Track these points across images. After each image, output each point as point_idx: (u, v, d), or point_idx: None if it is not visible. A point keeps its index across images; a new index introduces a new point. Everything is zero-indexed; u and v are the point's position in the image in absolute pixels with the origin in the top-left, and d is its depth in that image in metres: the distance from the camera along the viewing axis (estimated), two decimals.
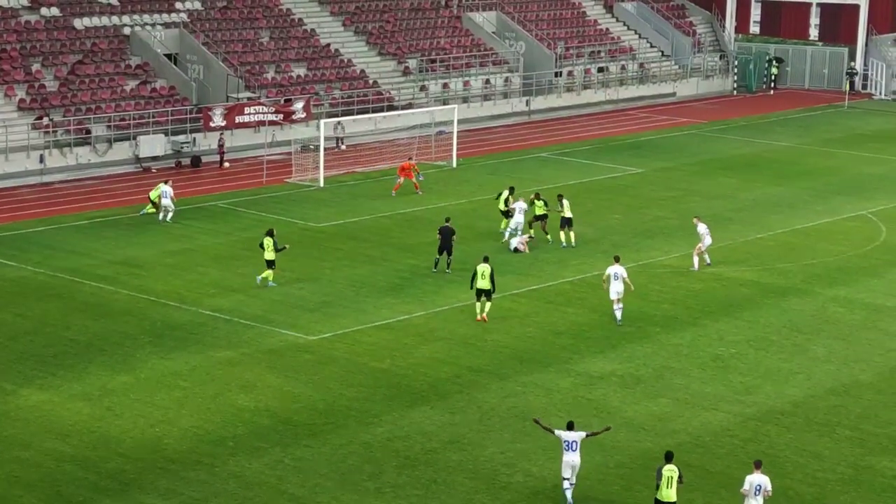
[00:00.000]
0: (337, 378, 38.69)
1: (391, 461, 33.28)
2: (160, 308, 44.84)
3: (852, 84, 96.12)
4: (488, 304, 44.02)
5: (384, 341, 41.95)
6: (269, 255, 47.23)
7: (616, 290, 43.87)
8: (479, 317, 43.89)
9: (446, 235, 49.47)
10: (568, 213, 53.23)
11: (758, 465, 30.03)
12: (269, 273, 47.37)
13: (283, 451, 33.66)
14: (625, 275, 44.05)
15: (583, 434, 31.30)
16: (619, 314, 43.95)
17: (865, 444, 34.95)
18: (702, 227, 50.43)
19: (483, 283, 43.66)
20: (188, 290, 46.83)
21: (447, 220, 50.44)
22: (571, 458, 31.04)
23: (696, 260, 50.48)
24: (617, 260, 45.11)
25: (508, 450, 34.04)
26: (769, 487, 29.65)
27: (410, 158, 64.26)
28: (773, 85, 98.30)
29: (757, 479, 29.68)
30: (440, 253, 49.59)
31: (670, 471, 29.72)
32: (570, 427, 31.50)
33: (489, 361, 40.33)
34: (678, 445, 33.98)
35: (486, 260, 44.39)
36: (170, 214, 56.50)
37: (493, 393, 37.79)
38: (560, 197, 53.82)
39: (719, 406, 37.19)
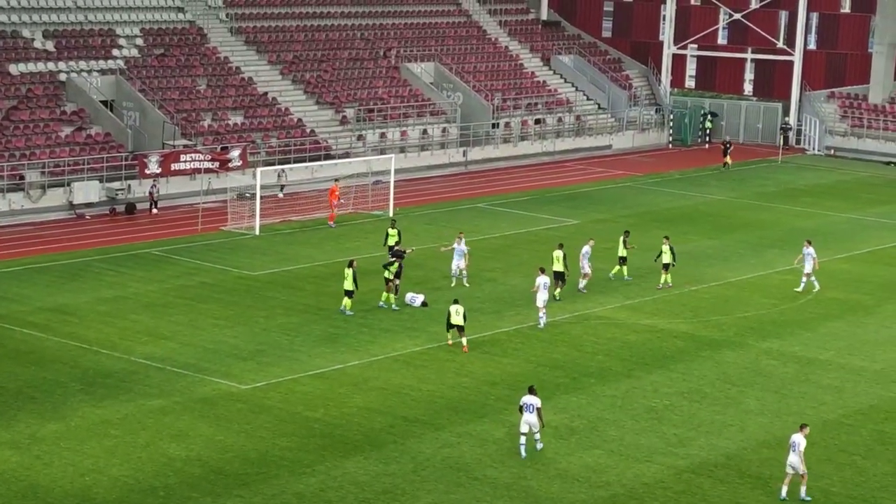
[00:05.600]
0: (270, 427, 38.41)
1: None
2: (92, 356, 44.41)
3: (786, 139, 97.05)
4: (464, 339, 46.10)
5: (318, 391, 41.72)
6: (348, 284, 49.77)
7: (543, 298, 49.08)
8: (450, 342, 46.48)
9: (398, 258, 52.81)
10: (623, 252, 56.51)
11: (802, 428, 35.02)
12: (347, 301, 49.93)
13: (214, 501, 33.30)
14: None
15: (538, 402, 36.65)
16: (542, 321, 49.17)
17: (797, 497, 35.01)
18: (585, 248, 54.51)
19: (457, 319, 46.06)
20: (120, 338, 46.42)
21: (397, 243, 54.68)
22: (529, 418, 36.46)
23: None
24: (543, 271, 49.56)
25: (443, 501, 33.85)
26: (802, 448, 34.52)
27: (337, 180, 67.01)
28: (707, 139, 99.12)
29: (793, 437, 34.71)
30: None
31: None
32: (531, 391, 36.94)
33: (424, 412, 40.18)
34: (612, 497, 33.98)
35: (455, 301, 46.68)
36: (463, 278, 55.30)
37: (427, 443, 37.64)
38: (626, 234, 57.35)
39: (653, 458, 37.20)
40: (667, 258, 55.52)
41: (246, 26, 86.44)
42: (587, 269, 54.10)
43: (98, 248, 60.46)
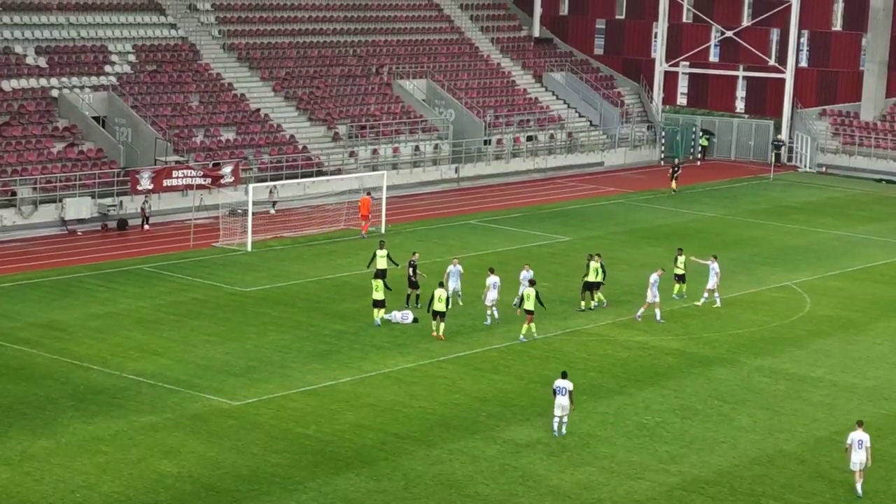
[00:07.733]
0: (261, 444, 38.37)
1: None
2: (83, 372, 44.35)
3: (778, 156, 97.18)
4: (443, 325, 49.06)
5: (310, 407, 41.68)
6: (378, 296, 50.71)
7: (492, 297, 51.20)
8: (434, 333, 49.19)
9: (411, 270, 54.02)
10: (681, 270, 57.14)
11: (860, 424, 35.85)
12: (377, 311, 50.84)
13: None
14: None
15: (570, 385, 39.48)
16: (495, 316, 51.48)
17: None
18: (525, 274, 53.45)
19: (440, 305, 48.90)
20: (112, 354, 46.37)
21: (414, 253, 55.12)
22: (561, 401, 39.26)
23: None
24: (492, 271, 51.75)
25: None
26: (868, 444, 35.26)
27: (369, 193, 67.84)
28: (702, 156, 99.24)
29: (858, 436, 35.32)
30: (411, 287, 53.67)
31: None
32: (563, 376, 39.67)
33: (415, 428, 40.15)
34: None
35: (441, 285, 49.87)
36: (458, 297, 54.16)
37: (419, 460, 37.61)
38: (679, 251, 57.66)
39: (644, 475, 37.19)
40: (592, 276, 54.21)
41: (238, 43, 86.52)
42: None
43: (89, 264, 60.43)
